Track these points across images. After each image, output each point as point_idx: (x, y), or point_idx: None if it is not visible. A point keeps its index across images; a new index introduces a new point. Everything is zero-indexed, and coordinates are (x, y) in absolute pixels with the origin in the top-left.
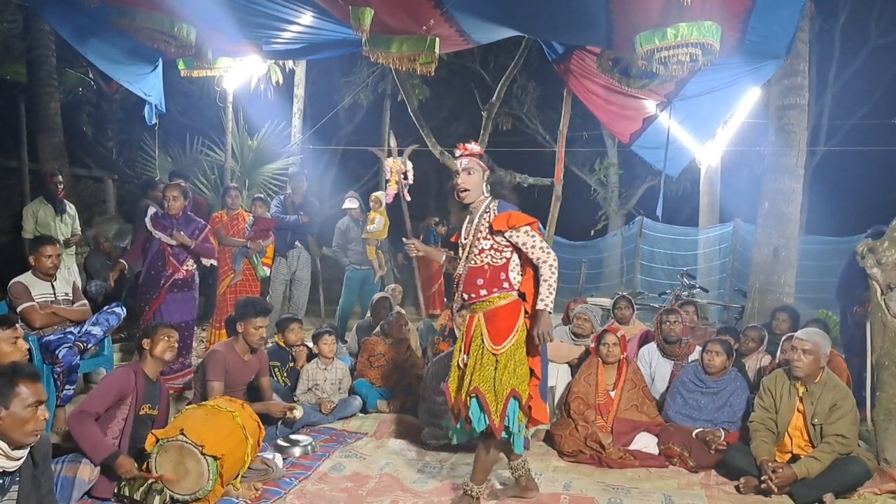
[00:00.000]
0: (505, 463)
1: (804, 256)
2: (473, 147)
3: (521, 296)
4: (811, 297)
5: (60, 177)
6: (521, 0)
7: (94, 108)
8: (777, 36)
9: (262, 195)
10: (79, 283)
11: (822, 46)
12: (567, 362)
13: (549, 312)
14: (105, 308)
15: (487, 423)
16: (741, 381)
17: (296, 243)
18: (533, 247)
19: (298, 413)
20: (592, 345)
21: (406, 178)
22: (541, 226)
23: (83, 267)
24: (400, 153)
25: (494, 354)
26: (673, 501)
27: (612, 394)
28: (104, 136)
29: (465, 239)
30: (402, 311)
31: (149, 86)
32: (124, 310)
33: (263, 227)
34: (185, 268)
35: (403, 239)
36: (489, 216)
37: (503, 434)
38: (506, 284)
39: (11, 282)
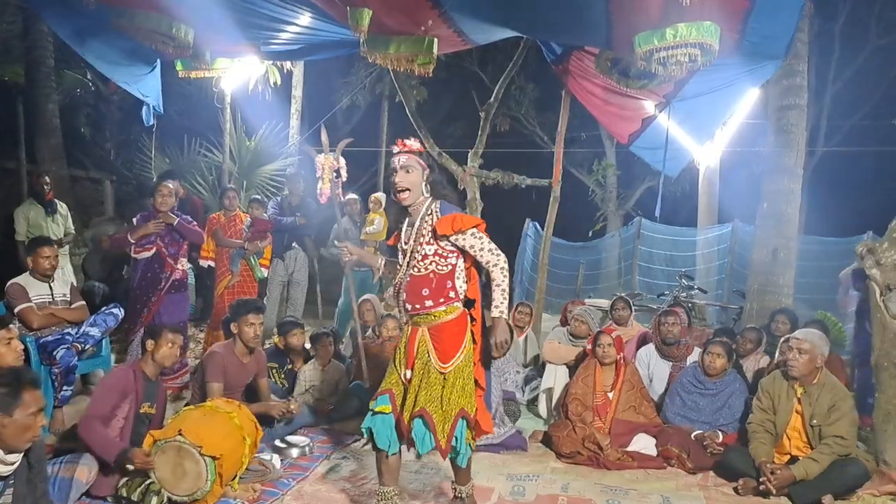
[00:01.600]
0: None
1: (803, 257)
2: (413, 143)
3: (469, 303)
4: (810, 298)
5: (48, 178)
6: (519, 1)
7: (93, 109)
8: (776, 36)
9: (259, 196)
10: (75, 284)
11: (821, 47)
12: (565, 363)
13: (506, 319)
14: (103, 309)
15: (433, 444)
16: (740, 382)
17: (293, 244)
18: (482, 249)
19: (295, 407)
20: (589, 346)
21: (339, 175)
22: (536, 225)
23: (81, 268)
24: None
25: (442, 373)
26: (671, 503)
27: (610, 395)
28: (102, 137)
29: (406, 244)
30: (396, 314)
31: (147, 87)
32: (122, 311)
33: (261, 228)
34: (179, 266)
35: (336, 242)
36: (431, 219)
37: (450, 454)
38: (452, 294)
39: (9, 283)
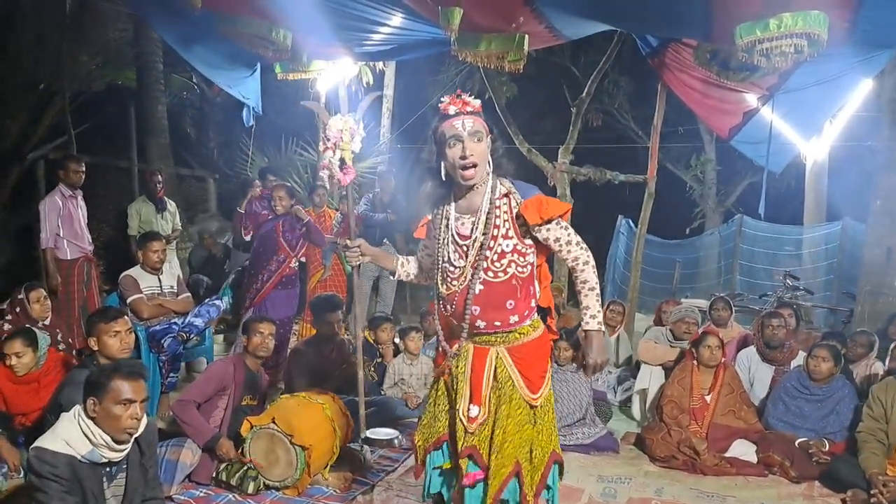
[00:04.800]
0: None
1: None
2: (475, 101)
3: (542, 313)
4: None
5: (159, 176)
6: None
7: (197, 111)
8: (891, 24)
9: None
10: (182, 277)
11: None
12: (660, 364)
13: (604, 332)
14: (206, 300)
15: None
16: (849, 388)
17: (384, 241)
18: (569, 243)
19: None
20: (688, 346)
21: (352, 140)
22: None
23: (187, 261)
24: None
25: (532, 406)
26: None
27: (708, 398)
28: (206, 137)
29: (465, 238)
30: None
31: (247, 89)
32: (224, 302)
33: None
34: (293, 263)
35: (347, 242)
36: (507, 203)
37: None
38: (533, 303)
39: (122, 275)
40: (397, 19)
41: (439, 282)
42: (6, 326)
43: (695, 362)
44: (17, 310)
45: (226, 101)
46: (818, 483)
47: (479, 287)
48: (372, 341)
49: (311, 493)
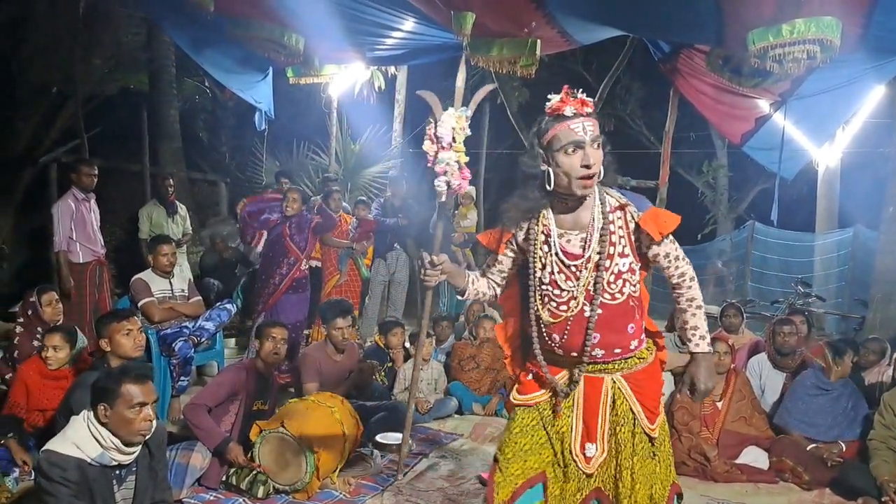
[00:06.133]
0: None
1: None
2: (591, 100)
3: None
4: None
5: (171, 180)
6: None
7: (210, 115)
8: None
9: (364, 198)
10: (192, 281)
11: None
12: (671, 370)
13: (712, 354)
14: (217, 304)
15: None
16: (851, 385)
17: (395, 245)
18: (677, 258)
19: None
20: None
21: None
22: None
23: (198, 265)
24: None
25: (651, 438)
26: None
27: (719, 405)
28: (218, 141)
29: (574, 258)
30: (490, 313)
31: (259, 94)
32: (234, 306)
33: (366, 228)
34: (303, 265)
35: (433, 258)
36: (622, 217)
37: None
38: (644, 324)
39: (133, 278)
40: (409, 24)
41: (538, 307)
42: (18, 329)
43: None
44: (29, 312)
45: (238, 106)
46: (829, 490)
47: (596, 311)
48: (382, 346)
49: (321, 497)
